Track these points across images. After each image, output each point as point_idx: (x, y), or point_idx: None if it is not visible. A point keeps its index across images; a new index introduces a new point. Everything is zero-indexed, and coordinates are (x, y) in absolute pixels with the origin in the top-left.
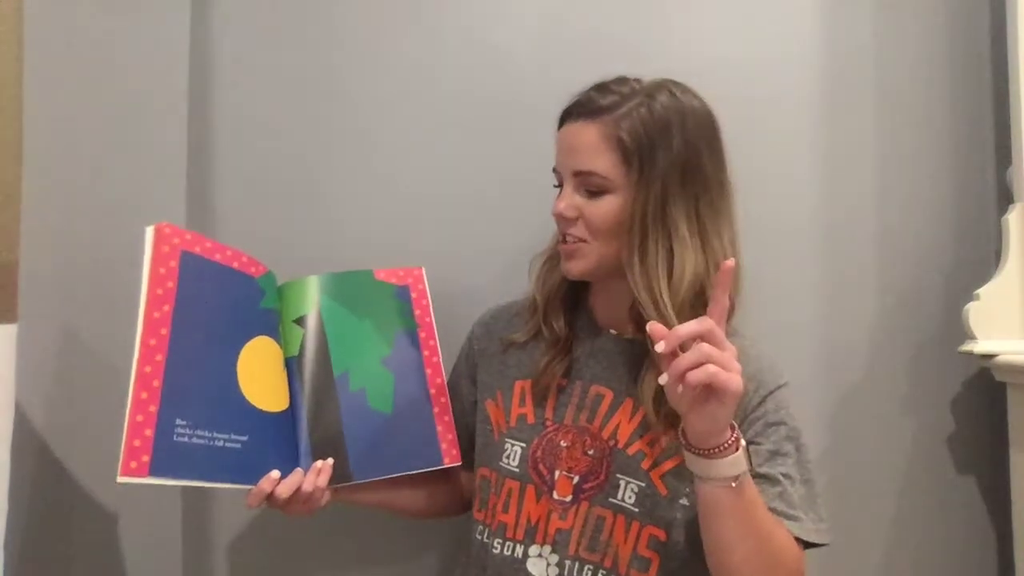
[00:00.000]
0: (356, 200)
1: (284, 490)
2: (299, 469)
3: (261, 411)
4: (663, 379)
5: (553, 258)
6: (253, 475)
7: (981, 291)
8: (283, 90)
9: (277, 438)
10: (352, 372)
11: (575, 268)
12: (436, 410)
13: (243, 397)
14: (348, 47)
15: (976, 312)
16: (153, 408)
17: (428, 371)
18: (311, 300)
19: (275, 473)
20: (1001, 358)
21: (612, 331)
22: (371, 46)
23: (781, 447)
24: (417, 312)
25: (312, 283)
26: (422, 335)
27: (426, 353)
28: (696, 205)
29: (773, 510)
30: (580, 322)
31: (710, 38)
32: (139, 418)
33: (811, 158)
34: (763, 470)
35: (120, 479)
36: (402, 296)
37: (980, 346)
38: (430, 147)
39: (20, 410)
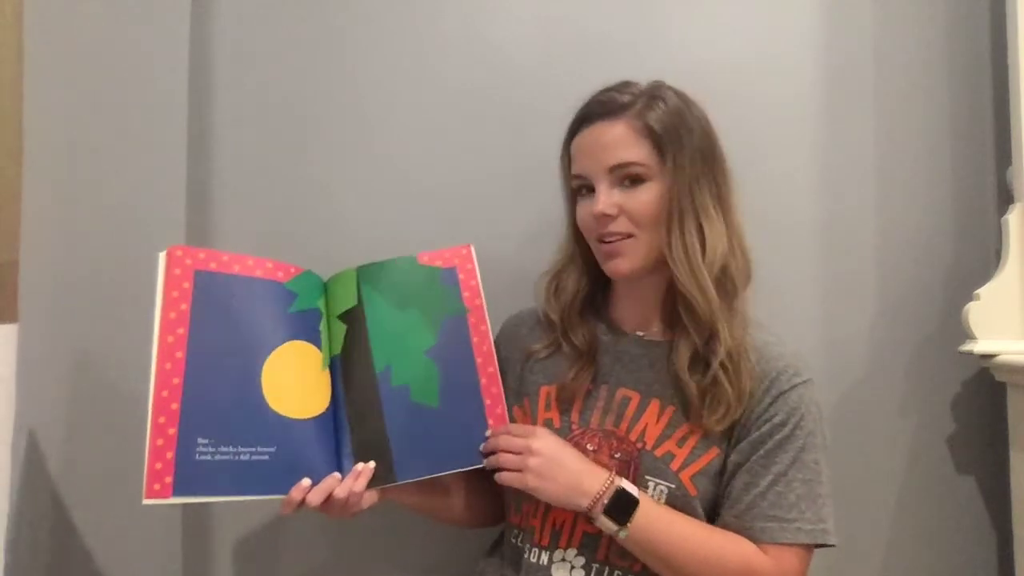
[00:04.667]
0: (357, 198)
1: (315, 497)
2: (334, 474)
3: (291, 419)
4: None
5: (561, 273)
6: (285, 484)
7: (981, 291)
8: (283, 89)
9: (313, 443)
10: (395, 366)
11: (623, 266)
12: (487, 402)
13: (269, 408)
14: (348, 46)
15: (976, 312)
16: (172, 431)
17: (478, 360)
18: (353, 293)
19: (305, 481)
20: (1001, 358)
21: (638, 333)
22: (371, 45)
23: (781, 446)
24: (466, 295)
25: (353, 275)
26: (471, 320)
27: (476, 340)
28: (717, 186)
29: (750, 511)
30: (603, 327)
31: (710, 38)
32: (159, 442)
33: (811, 158)
34: (755, 470)
35: (145, 502)
36: (448, 279)
37: (980, 346)
38: (431, 145)
39: (20, 410)
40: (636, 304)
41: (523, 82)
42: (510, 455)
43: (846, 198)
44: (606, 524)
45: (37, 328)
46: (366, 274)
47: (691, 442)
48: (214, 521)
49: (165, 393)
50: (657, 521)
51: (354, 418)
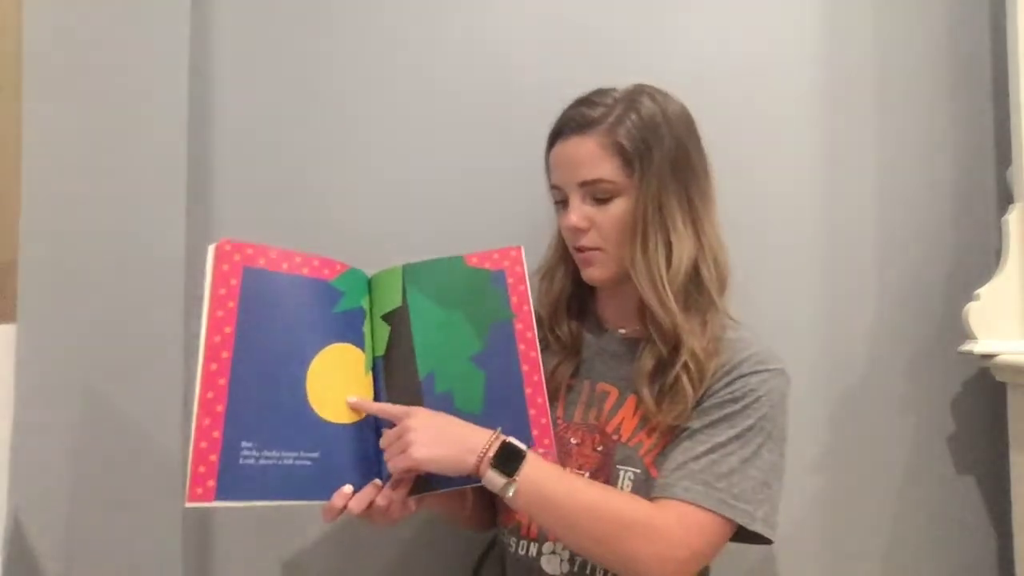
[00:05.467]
0: (357, 199)
1: (357, 505)
2: (375, 482)
3: (334, 424)
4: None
5: (551, 271)
6: (327, 490)
7: (981, 291)
8: (283, 89)
9: (355, 450)
10: (438, 373)
11: (597, 275)
12: (532, 412)
13: (314, 413)
14: (348, 48)
15: (976, 312)
16: (217, 434)
17: (524, 368)
18: (398, 293)
19: (347, 488)
20: (1001, 358)
21: (620, 331)
22: (371, 46)
23: (728, 419)
24: (514, 299)
25: (398, 274)
26: (519, 327)
27: (522, 347)
28: (688, 195)
29: (678, 470)
30: (588, 324)
31: (710, 38)
32: (203, 444)
33: (811, 158)
34: (695, 436)
35: (188, 504)
36: (498, 282)
37: (980, 346)
38: (431, 145)
39: (20, 410)
40: (617, 304)
41: (523, 82)
42: (394, 444)
43: (846, 198)
44: (493, 479)
45: (37, 328)
46: (411, 274)
47: (656, 431)
48: (215, 521)
49: (210, 395)
50: (547, 476)
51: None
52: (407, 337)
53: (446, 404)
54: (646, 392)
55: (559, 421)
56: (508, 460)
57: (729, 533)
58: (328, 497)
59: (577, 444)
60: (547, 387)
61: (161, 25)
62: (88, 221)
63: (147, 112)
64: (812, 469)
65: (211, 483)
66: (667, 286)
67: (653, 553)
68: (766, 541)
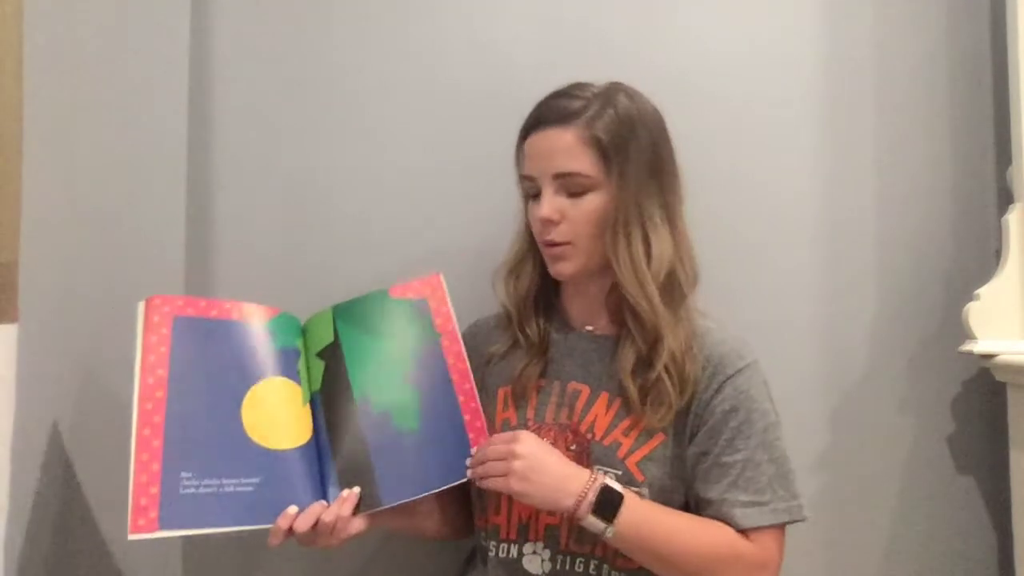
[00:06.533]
0: (357, 198)
1: (302, 524)
2: (320, 501)
3: (273, 451)
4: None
5: (518, 266)
6: (271, 514)
7: (981, 291)
8: (283, 88)
9: (297, 473)
10: (373, 395)
11: (566, 269)
12: (467, 417)
13: (250, 440)
14: (348, 48)
15: (976, 312)
16: (156, 467)
17: (455, 378)
18: (329, 331)
19: (292, 508)
20: (1001, 358)
21: (587, 328)
22: (371, 47)
23: (741, 431)
24: (438, 321)
25: (328, 314)
26: (445, 343)
27: (451, 360)
28: (663, 193)
29: (726, 500)
30: (554, 323)
31: (710, 38)
32: (143, 478)
33: (811, 158)
34: (722, 459)
35: (130, 537)
36: (421, 310)
37: (980, 346)
38: (431, 142)
39: (20, 410)
40: (584, 301)
41: (524, 82)
42: (495, 462)
43: (846, 198)
44: (594, 523)
45: (37, 328)
46: (341, 312)
47: (635, 432)
48: None
49: (147, 431)
50: (644, 516)
51: (337, 447)
52: (342, 368)
53: (385, 423)
54: (631, 388)
55: (530, 423)
56: (607, 505)
57: (785, 530)
58: (272, 520)
59: (550, 444)
60: (516, 391)
61: (161, 25)
62: (88, 221)
63: (147, 112)
64: (812, 469)
65: (153, 514)
66: (651, 280)
67: None
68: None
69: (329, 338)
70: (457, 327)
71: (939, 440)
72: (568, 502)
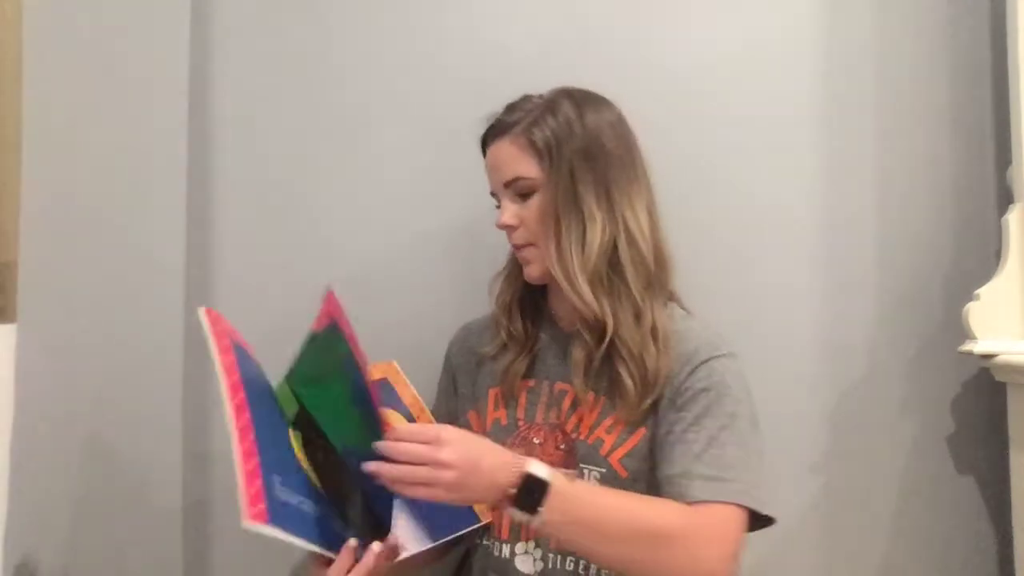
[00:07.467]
0: (357, 198)
1: (361, 569)
2: (372, 548)
3: (315, 485)
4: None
5: (511, 274)
6: (328, 542)
7: (981, 291)
8: (283, 89)
9: (332, 514)
10: (346, 439)
11: (533, 272)
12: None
13: (303, 468)
14: (348, 48)
15: (976, 312)
16: (255, 461)
17: (367, 378)
18: (292, 400)
19: (353, 541)
20: (1001, 358)
21: (575, 328)
22: (371, 47)
23: (710, 411)
24: (346, 332)
25: (285, 386)
26: (355, 351)
27: (359, 362)
28: (605, 182)
29: (686, 473)
30: (544, 325)
31: (710, 37)
32: (250, 467)
33: (811, 158)
34: (687, 435)
35: (246, 525)
36: (335, 330)
37: (980, 346)
38: (431, 143)
39: (20, 410)
40: (567, 302)
41: (524, 83)
42: (415, 469)
43: (846, 198)
44: (518, 516)
45: (36, 328)
46: (292, 377)
47: (618, 429)
48: (214, 523)
49: (242, 425)
50: (575, 500)
51: (347, 503)
52: (318, 432)
53: (357, 458)
54: (579, 383)
55: (520, 423)
56: (530, 494)
57: (747, 521)
58: (332, 549)
59: (540, 444)
60: (504, 391)
61: (161, 25)
62: (88, 221)
63: (147, 112)
64: (812, 469)
65: (261, 506)
66: (578, 271)
67: (691, 559)
68: (769, 523)
69: (294, 406)
70: (356, 335)
71: (939, 440)
72: (495, 495)
